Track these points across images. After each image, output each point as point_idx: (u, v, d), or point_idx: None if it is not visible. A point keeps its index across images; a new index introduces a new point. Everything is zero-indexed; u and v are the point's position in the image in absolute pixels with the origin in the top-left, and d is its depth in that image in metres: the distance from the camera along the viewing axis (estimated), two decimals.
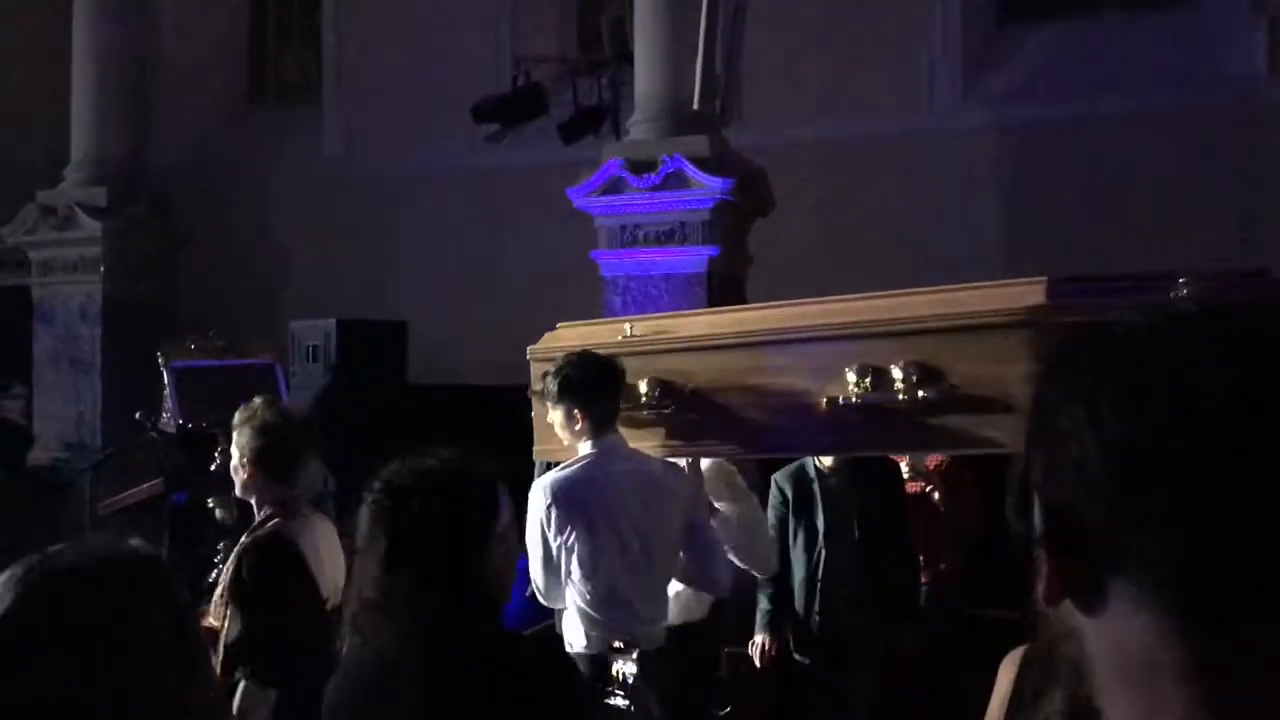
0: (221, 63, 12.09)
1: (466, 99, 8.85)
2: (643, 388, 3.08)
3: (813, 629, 4.24)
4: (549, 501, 3.27)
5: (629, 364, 3.14)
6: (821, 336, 2.77)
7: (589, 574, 3.21)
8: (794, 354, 2.78)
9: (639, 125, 7.56)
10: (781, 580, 4.30)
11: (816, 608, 4.24)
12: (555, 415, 3.27)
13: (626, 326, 3.26)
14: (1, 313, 10.38)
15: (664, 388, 3.03)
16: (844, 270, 9.12)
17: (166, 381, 7.30)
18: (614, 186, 7.29)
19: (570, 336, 3.32)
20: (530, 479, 3.39)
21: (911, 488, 4.78)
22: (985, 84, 9.50)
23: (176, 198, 10.46)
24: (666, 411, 3.03)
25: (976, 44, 9.62)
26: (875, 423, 2.66)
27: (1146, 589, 0.63)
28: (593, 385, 3.21)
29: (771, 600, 4.30)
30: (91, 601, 0.93)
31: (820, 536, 4.24)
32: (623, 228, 7.35)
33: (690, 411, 2.97)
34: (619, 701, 3.08)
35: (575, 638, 3.27)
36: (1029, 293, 2.59)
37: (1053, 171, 8.87)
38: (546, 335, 3.38)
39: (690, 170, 7.06)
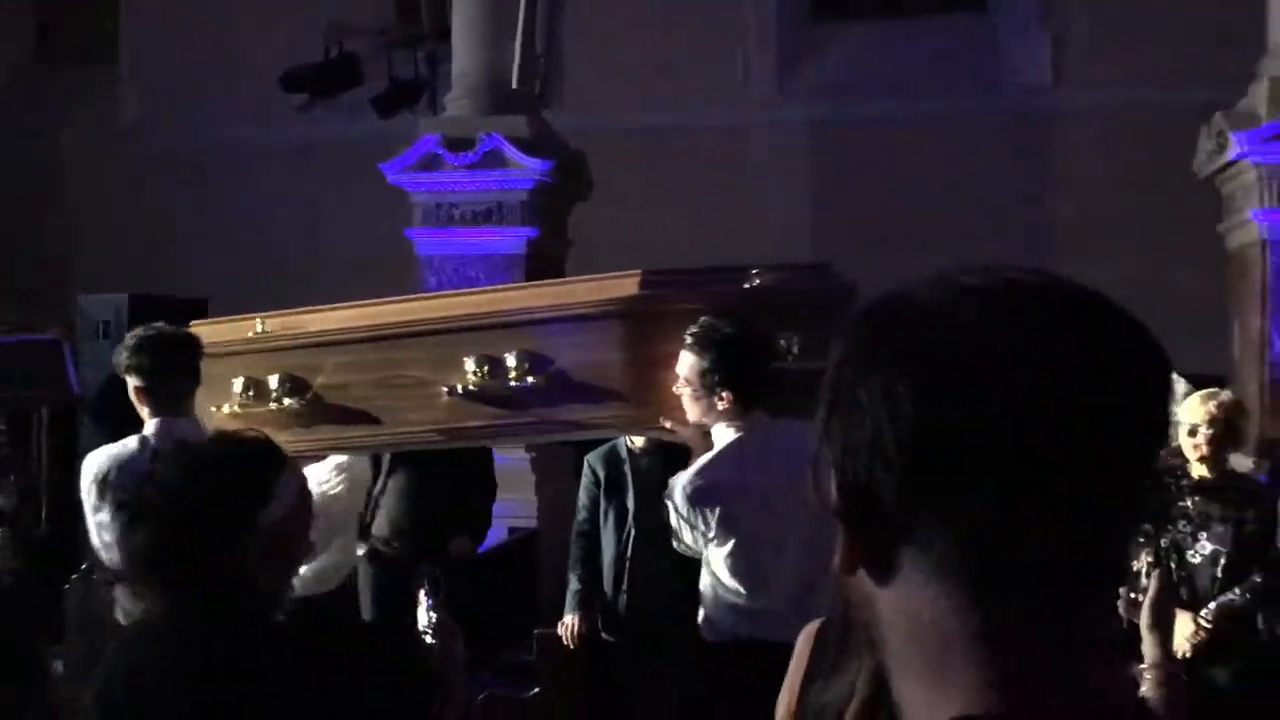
0: (7, 18, 11.28)
1: (276, 67, 8.52)
2: (272, 383, 3.06)
3: (620, 609, 4.26)
4: (90, 480, 3.13)
5: (260, 361, 3.09)
6: (443, 329, 2.92)
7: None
8: (418, 346, 2.93)
9: (456, 102, 7.43)
10: (592, 560, 4.31)
11: (624, 587, 4.26)
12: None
13: (258, 323, 3.20)
14: None
15: (293, 383, 3.05)
16: (663, 256, 9.23)
17: None
18: (430, 163, 7.14)
19: (202, 333, 3.26)
20: None
21: None
22: (798, 79, 9.78)
23: None
24: (294, 406, 3.04)
25: (790, 40, 9.89)
26: (492, 409, 2.84)
27: (935, 562, 0.65)
28: (153, 361, 3.10)
29: (581, 580, 4.30)
30: None
31: (630, 516, 4.26)
32: (439, 206, 7.20)
33: (318, 405, 3.03)
34: (427, 639, 3.07)
35: None
36: (623, 285, 2.86)
37: (859, 165, 9.21)
38: None
39: (509, 150, 6.98)
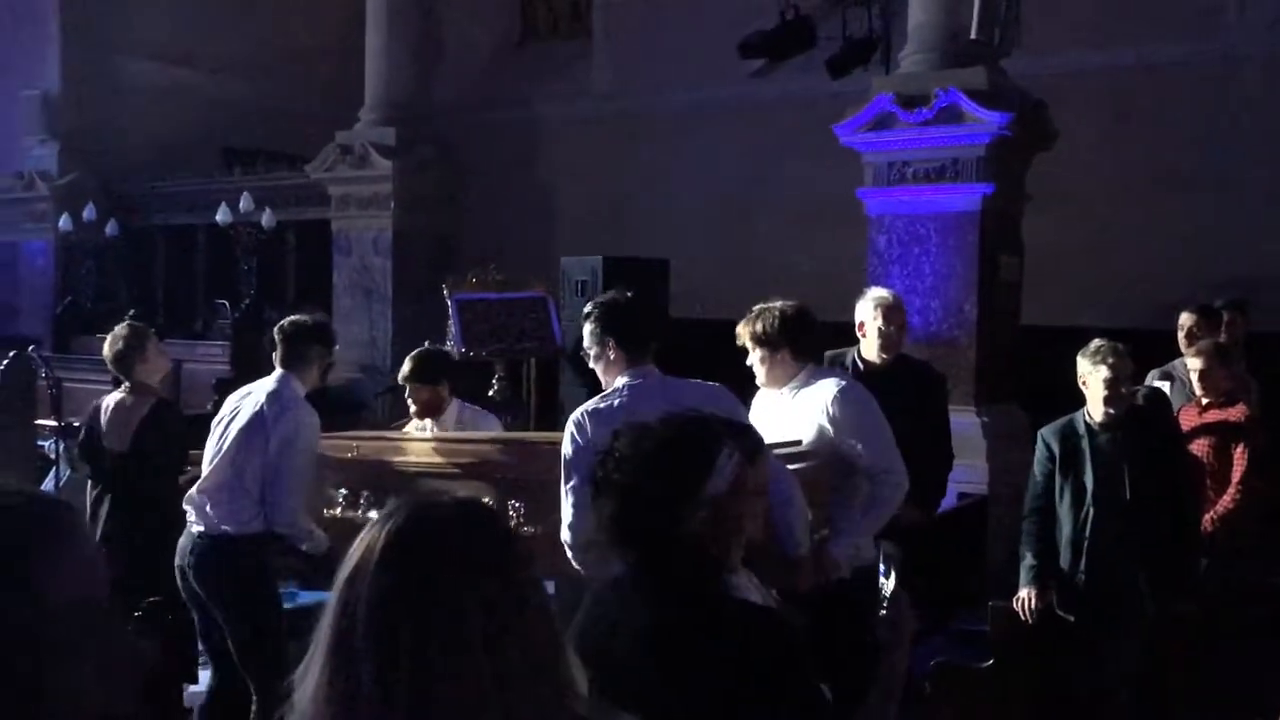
0: (493, 2, 12.55)
1: (733, 34, 8.83)
2: (361, 495, 3.85)
3: (1078, 587, 4.12)
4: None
5: (358, 474, 3.90)
6: (474, 474, 3.52)
7: None
8: (460, 485, 3.47)
9: (911, 57, 7.30)
10: (1047, 536, 4.19)
11: (1083, 567, 4.11)
12: None
13: (355, 446, 4.05)
14: (306, 244, 11.31)
15: (376, 496, 3.78)
16: (1126, 210, 8.58)
17: (450, 312, 7.78)
18: (883, 122, 7.08)
19: (327, 445, 4.12)
20: None
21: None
22: None
23: (456, 134, 11.01)
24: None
25: None
26: None
27: None
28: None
29: (1036, 556, 4.19)
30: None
31: (1088, 495, 4.08)
32: (890, 164, 7.14)
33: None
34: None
35: None
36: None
37: None
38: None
39: (966, 104, 6.76)
